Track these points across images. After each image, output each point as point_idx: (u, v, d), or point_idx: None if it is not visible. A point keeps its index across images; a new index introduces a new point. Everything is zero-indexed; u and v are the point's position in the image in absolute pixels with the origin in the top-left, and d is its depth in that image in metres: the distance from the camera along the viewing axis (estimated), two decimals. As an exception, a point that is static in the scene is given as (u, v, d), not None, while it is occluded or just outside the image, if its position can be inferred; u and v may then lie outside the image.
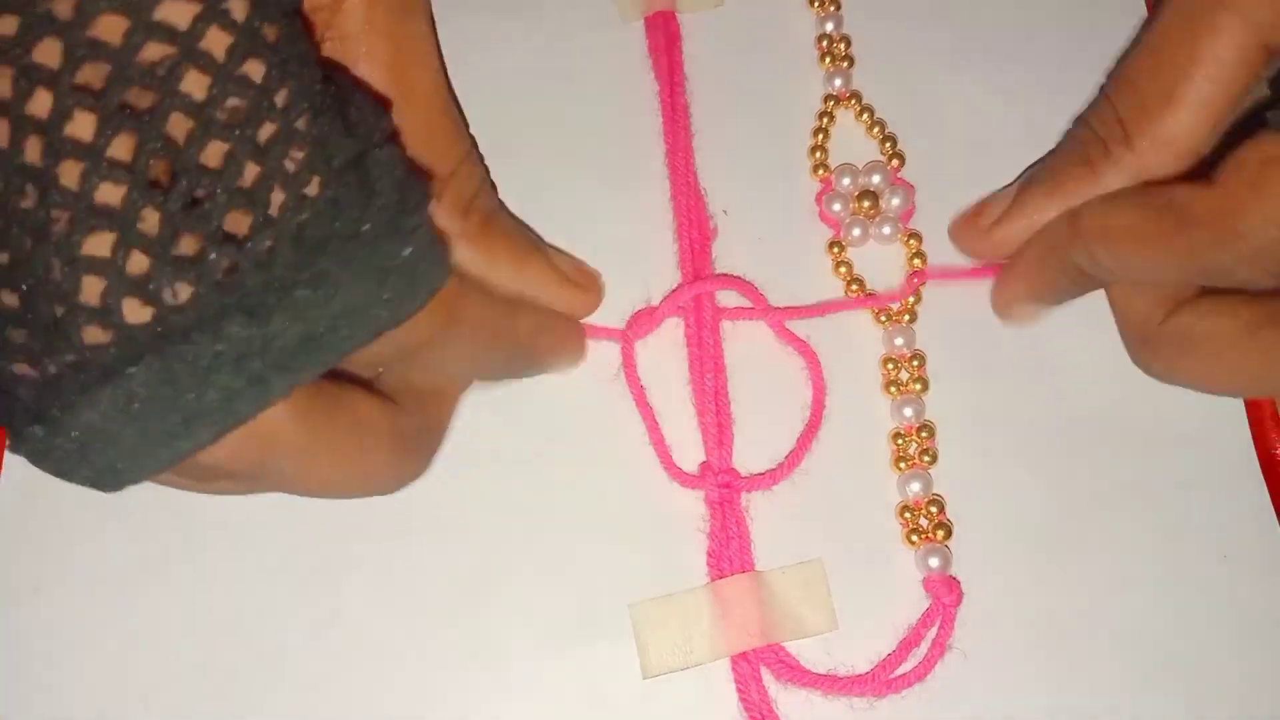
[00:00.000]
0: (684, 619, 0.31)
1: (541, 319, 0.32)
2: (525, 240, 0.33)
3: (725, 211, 0.35)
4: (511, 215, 0.34)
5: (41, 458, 0.21)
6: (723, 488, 0.32)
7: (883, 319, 0.34)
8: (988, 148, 0.36)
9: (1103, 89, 0.33)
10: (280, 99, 0.22)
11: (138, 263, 0.20)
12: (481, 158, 0.33)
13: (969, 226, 0.34)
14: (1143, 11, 0.37)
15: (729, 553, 0.31)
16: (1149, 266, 0.29)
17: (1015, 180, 0.34)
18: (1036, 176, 0.33)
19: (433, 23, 0.32)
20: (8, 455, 0.33)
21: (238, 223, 0.21)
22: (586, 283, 0.33)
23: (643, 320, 0.34)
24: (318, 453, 0.24)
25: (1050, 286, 0.32)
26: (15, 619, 0.31)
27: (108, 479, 0.22)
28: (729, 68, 0.37)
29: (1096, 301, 0.33)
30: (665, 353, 0.34)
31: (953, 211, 0.35)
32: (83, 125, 0.20)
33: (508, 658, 0.31)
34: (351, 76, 0.28)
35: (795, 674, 0.30)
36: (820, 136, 0.36)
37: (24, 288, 0.20)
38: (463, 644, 0.31)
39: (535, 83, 0.36)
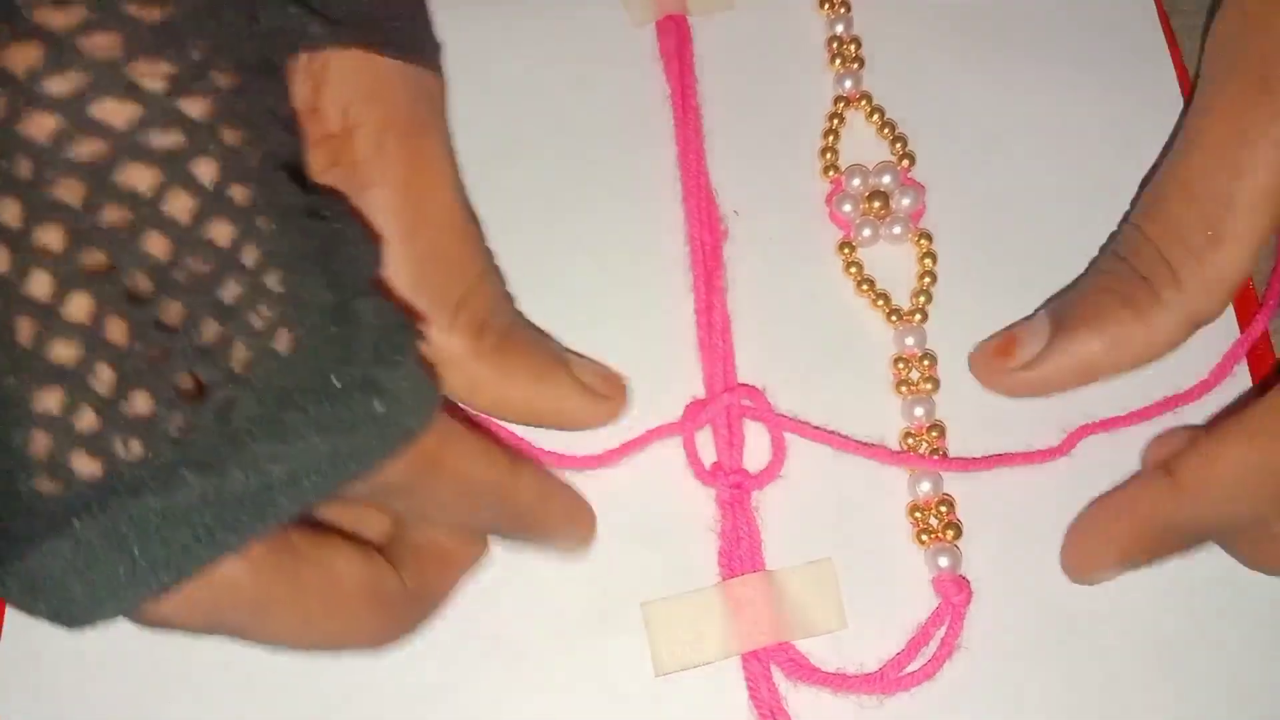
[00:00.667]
0: (695, 617, 0.31)
1: (546, 485, 0.29)
2: (544, 353, 0.32)
3: (736, 212, 0.35)
4: (531, 327, 0.33)
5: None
6: (734, 488, 0.32)
7: (893, 319, 0.34)
8: (998, 147, 0.36)
9: (1135, 223, 0.32)
10: (249, 259, 0.22)
11: (88, 420, 0.20)
12: (498, 270, 0.33)
13: (997, 364, 0.32)
14: (1153, 11, 0.37)
15: (740, 552, 0.32)
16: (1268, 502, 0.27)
17: (1038, 311, 0.33)
18: (1071, 315, 0.31)
19: (448, 139, 0.32)
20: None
21: (202, 376, 0.21)
22: (611, 391, 0.32)
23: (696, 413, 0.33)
24: (276, 609, 0.23)
25: (1150, 552, 0.29)
26: (20, 620, 0.32)
27: (62, 620, 0.21)
28: (740, 70, 0.37)
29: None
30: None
31: (963, 211, 0.35)
32: (40, 284, 0.20)
33: (521, 655, 0.31)
34: (351, 207, 0.28)
35: (805, 672, 0.31)
36: (830, 138, 0.36)
37: None
38: (476, 641, 0.31)
39: (546, 86, 0.37)
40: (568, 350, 0.33)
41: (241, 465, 0.21)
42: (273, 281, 0.22)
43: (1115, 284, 0.31)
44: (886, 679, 0.30)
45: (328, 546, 0.25)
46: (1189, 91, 0.36)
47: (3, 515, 0.20)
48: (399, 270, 0.29)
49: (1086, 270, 0.34)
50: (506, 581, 0.32)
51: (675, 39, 0.37)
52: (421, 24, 0.32)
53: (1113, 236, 0.34)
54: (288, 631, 0.24)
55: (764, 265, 0.35)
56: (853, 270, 0.35)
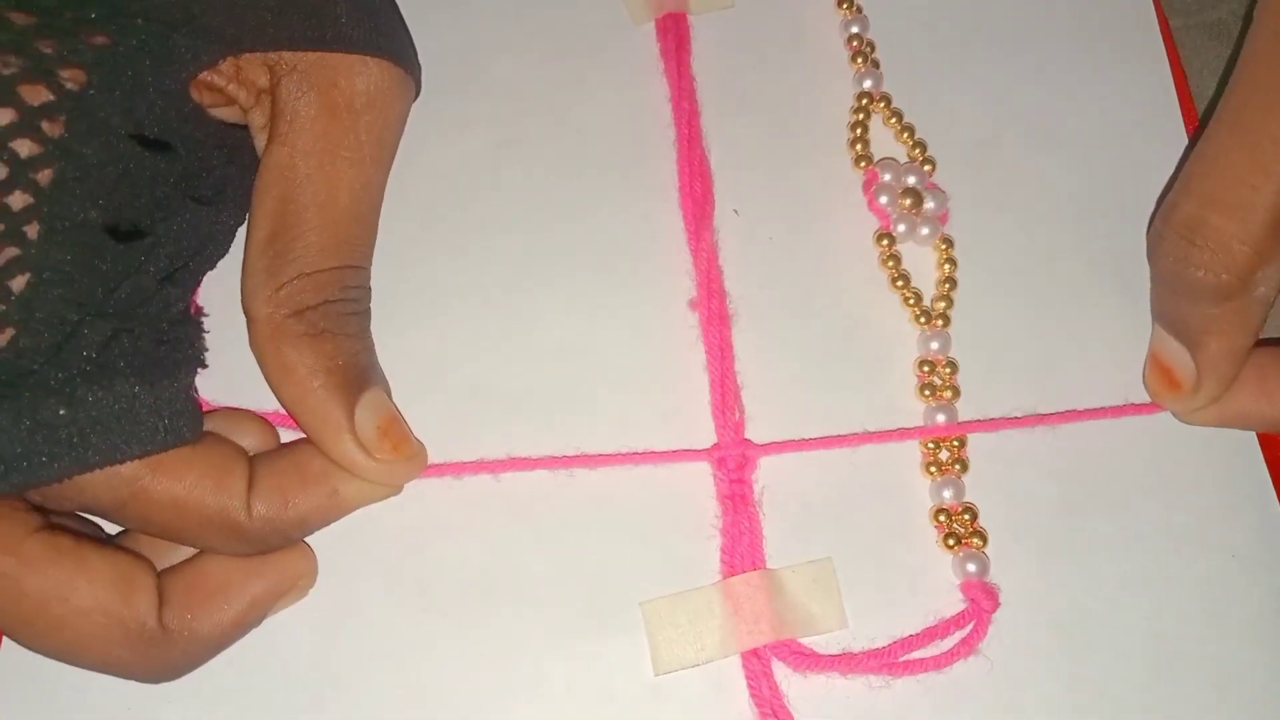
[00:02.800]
0: (695, 616, 0.30)
1: (278, 521, 0.28)
2: (342, 387, 0.29)
3: (736, 211, 0.35)
4: (359, 355, 0.30)
5: None
6: (738, 457, 0.32)
7: (921, 320, 0.34)
8: (1012, 155, 0.36)
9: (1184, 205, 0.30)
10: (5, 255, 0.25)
11: None
12: (364, 309, 0.31)
13: (1178, 396, 0.31)
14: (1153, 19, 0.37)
15: (740, 550, 0.31)
16: None
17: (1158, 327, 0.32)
18: (1190, 327, 0.30)
19: (382, 134, 0.31)
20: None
21: None
22: (390, 442, 0.29)
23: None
24: None
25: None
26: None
27: None
28: (740, 68, 0.37)
29: (1124, 313, 0.33)
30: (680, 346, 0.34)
31: (984, 218, 0.35)
32: None
33: (519, 654, 0.31)
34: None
35: (810, 660, 0.30)
36: (859, 130, 0.36)
37: None
38: (474, 641, 0.31)
39: (545, 85, 0.37)
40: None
41: None
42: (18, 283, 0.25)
43: (1194, 283, 0.30)
44: (893, 656, 0.30)
45: (76, 565, 0.26)
46: (1186, 97, 0.36)
47: None
48: (259, 223, 0.29)
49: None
50: (503, 581, 0.31)
51: (674, 37, 0.37)
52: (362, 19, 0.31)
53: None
54: (10, 628, 0.26)
55: (762, 266, 0.34)
56: (890, 264, 0.34)
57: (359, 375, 0.29)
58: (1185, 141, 0.36)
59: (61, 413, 0.25)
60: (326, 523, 0.30)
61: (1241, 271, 0.28)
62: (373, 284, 0.31)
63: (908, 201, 0.34)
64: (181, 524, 0.27)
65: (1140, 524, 0.32)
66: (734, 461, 0.32)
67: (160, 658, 0.27)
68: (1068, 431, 0.32)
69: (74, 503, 0.26)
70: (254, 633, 0.30)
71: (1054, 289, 0.34)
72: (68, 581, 0.25)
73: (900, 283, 0.34)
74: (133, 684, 0.28)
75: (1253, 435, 0.32)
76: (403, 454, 0.29)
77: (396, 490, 0.30)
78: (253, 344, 0.29)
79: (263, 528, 0.28)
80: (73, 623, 0.25)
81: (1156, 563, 0.31)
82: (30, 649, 0.26)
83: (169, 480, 0.27)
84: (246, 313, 0.29)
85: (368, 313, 0.31)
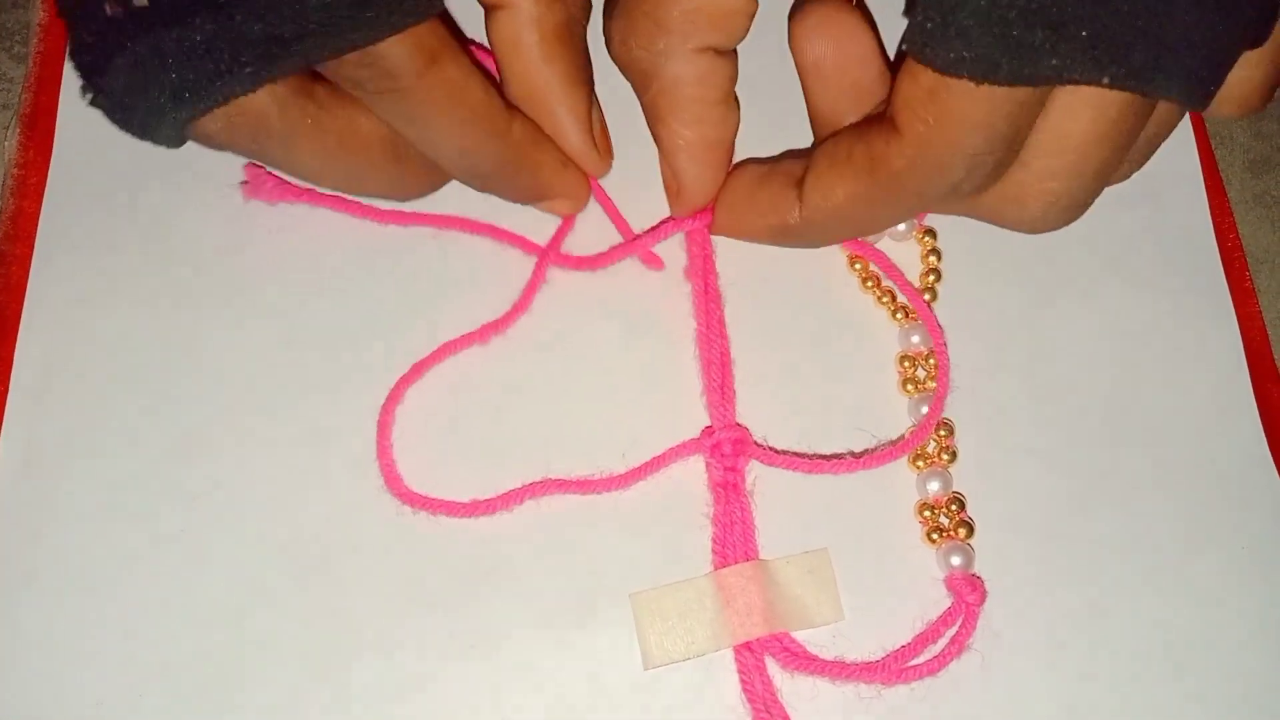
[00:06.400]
0: (686, 608, 0.30)
1: (539, 134, 0.31)
2: (584, 70, 0.32)
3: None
4: (584, 44, 0.32)
5: (105, 110, 0.27)
6: (734, 441, 0.31)
7: (899, 316, 0.34)
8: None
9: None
10: None
11: None
12: None
13: (672, 201, 0.33)
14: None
15: (733, 540, 0.31)
16: (879, 221, 0.30)
17: None
18: (651, 126, 0.32)
19: None
20: (4, 443, 0.32)
21: None
22: (604, 148, 0.33)
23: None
24: (299, 143, 0.28)
25: (776, 244, 0.32)
26: (10, 606, 0.30)
27: (148, 133, 0.27)
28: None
29: (1117, 299, 0.33)
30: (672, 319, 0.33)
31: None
32: None
33: (508, 647, 0.30)
34: None
35: (802, 661, 0.29)
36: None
37: None
38: (463, 633, 0.30)
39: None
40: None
41: (243, 8, 0.25)
42: None
43: (635, 72, 0.31)
44: (889, 670, 0.29)
45: (349, 103, 0.29)
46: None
47: (91, 37, 0.26)
48: None
49: None
50: (491, 571, 0.31)
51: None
52: None
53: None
54: (313, 165, 0.29)
55: (760, 261, 0.34)
56: (857, 267, 0.34)
57: (591, 73, 0.33)
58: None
59: None
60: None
61: (645, 38, 0.30)
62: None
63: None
64: (463, 113, 0.29)
65: (1138, 514, 0.32)
66: (728, 448, 0.31)
67: (422, 176, 0.31)
68: (1062, 421, 0.32)
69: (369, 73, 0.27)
70: (243, 622, 0.30)
71: (1040, 277, 0.34)
72: (355, 116, 0.29)
73: (870, 284, 0.34)
74: (125, 674, 0.29)
75: (1256, 419, 0.33)
76: (610, 153, 0.34)
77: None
78: (500, 33, 0.30)
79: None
80: (362, 148, 0.29)
81: (1158, 554, 0.31)
82: (325, 179, 0.30)
83: (459, 59, 0.28)
84: (493, 1, 0.30)
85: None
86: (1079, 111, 0.26)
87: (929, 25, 0.25)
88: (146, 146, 0.28)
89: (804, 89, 0.31)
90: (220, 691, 0.30)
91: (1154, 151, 0.30)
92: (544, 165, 0.32)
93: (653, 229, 0.34)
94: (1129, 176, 0.30)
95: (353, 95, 0.28)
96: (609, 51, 0.31)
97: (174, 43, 0.25)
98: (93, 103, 0.27)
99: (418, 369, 0.32)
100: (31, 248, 0.34)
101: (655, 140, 0.32)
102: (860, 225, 0.31)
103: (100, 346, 0.33)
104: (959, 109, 0.26)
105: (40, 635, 0.30)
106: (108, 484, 0.32)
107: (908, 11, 0.30)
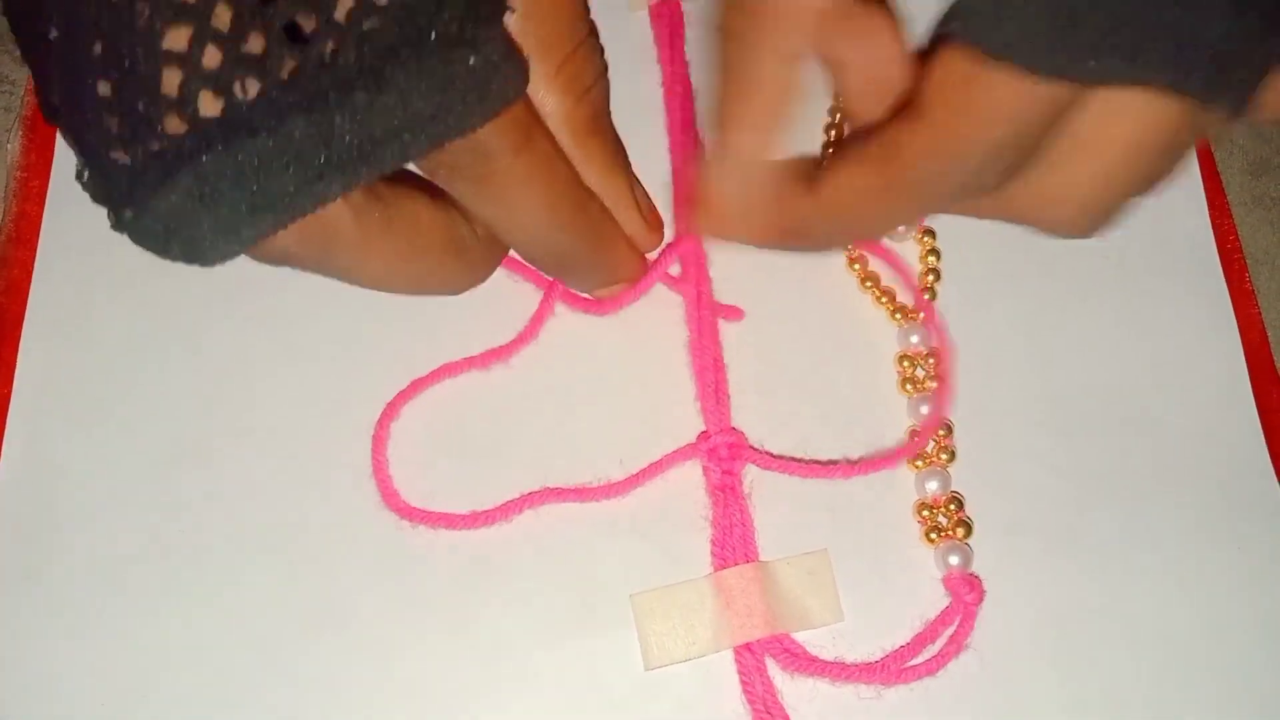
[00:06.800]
0: (686, 610, 0.30)
1: (608, 212, 0.31)
2: (620, 154, 0.32)
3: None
4: (613, 128, 0.32)
5: (137, 237, 0.23)
6: (730, 445, 0.31)
7: (898, 316, 0.34)
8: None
9: None
10: None
11: (211, 57, 0.21)
12: (603, 52, 0.32)
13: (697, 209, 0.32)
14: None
15: (733, 542, 0.31)
16: (896, 216, 0.29)
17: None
18: (714, 115, 0.31)
19: None
20: (6, 445, 0.32)
21: (305, 26, 0.22)
22: (654, 222, 0.33)
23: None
24: (373, 249, 0.26)
25: (782, 248, 0.31)
26: (12, 607, 0.31)
27: (195, 257, 0.24)
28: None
29: (1116, 300, 0.33)
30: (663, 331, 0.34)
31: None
32: None
33: (508, 649, 0.30)
34: None
35: (802, 662, 0.30)
36: (834, 133, 0.36)
37: (115, 77, 0.22)
38: (464, 635, 0.30)
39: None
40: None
41: (344, 110, 0.22)
42: None
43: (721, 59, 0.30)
44: (888, 670, 0.29)
45: (410, 197, 0.27)
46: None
47: (140, 155, 0.22)
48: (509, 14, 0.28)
49: None
50: (492, 574, 0.31)
51: (668, 24, 0.36)
52: None
53: None
54: (382, 271, 0.27)
55: (756, 257, 0.34)
56: (856, 268, 0.34)
57: (626, 158, 0.33)
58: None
59: (471, 61, 0.23)
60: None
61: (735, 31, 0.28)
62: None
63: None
64: (554, 180, 0.28)
65: (1137, 514, 0.32)
66: (724, 451, 0.31)
67: (481, 266, 0.29)
68: (1061, 421, 0.33)
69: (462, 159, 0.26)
70: (245, 625, 0.30)
71: (1039, 277, 0.34)
72: (419, 211, 0.27)
73: (869, 284, 0.34)
74: (128, 674, 0.29)
75: (1255, 421, 0.33)
76: (661, 226, 0.34)
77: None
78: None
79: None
80: (428, 246, 0.27)
81: (1157, 554, 0.31)
82: (392, 283, 0.28)
83: (546, 133, 0.27)
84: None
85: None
86: (1122, 113, 0.25)
87: (980, 6, 0.24)
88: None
89: (832, 87, 0.31)
90: (221, 694, 0.30)
91: (1187, 160, 0.29)
92: (619, 242, 0.32)
93: (661, 255, 0.34)
94: (1161, 188, 0.29)
95: (409, 188, 0.27)
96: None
97: (260, 152, 0.22)
98: (119, 226, 0.24)
99: (415, 387, 0.32)
100: (34, 251, 0.34)
101: (716, 145, 0.30)
102: (871, 221, 0.30)
103: (102, 350, 0.33)
104: (990, 98, 0.25)
105: (43, 636, 0.30)
106: (110, 486, 0.32)
107: None
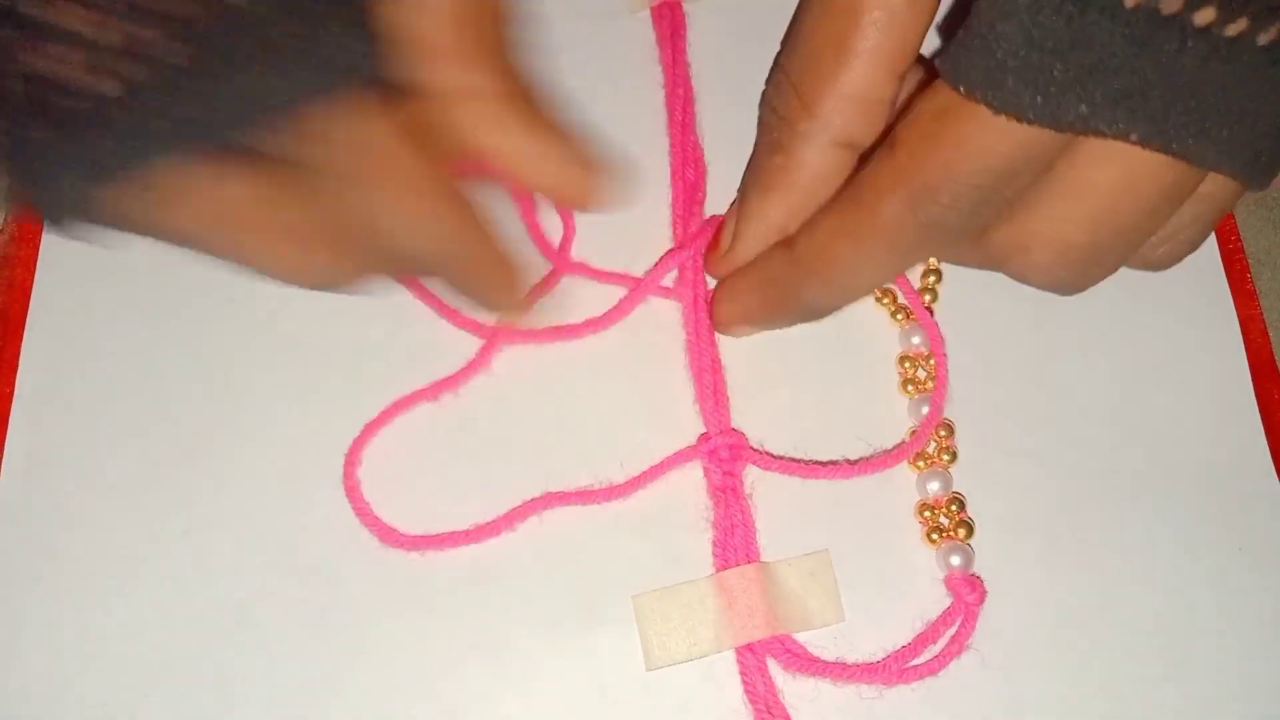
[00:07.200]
0: (688, 610, 0.30)
1: (483, 229, 0.29)
2: (559, 121, 0.30)
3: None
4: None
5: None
6: (730, 446, 0.31)
7: (898, 317, 0.34)
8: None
9: (776, 63, 0.31)
10: None
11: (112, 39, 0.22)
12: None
13: (713, 256, 0.32)
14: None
15: (734, 542, 0.31)
16: (869, 264, 0.28)
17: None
18: (745, 183, 0.31)
19: None
20: (8, 445, 0.32)
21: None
22: (602, 171, 0.31)
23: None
24: (182, 208, 0.25)
25: (776, 318, 0.31)
26: (12, 607, 0.31)
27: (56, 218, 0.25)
28: (735, 59, 0.36)
29: (1117, 300, 0.33)
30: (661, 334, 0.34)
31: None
32: None
33: (510, 649, 0.30)
34: None
35: (804, 663, 0.30)
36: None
37: None
38: (465, 635, 0.30)
39: (540, 71, 0.36)
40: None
41: (183, 86, 0.23)
42: None
43: (765, 132, 0.31)
44: (890, 670, 0.29)
45: (238, 175, 0.26)
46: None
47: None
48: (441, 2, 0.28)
49: None
50: (493, 573, 0.31)
51: (670, 25, 0.36)
52: None
53: None
54: (183, 225, 0.26)
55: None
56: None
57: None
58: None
59: (315, 41, 0.24)
60: None
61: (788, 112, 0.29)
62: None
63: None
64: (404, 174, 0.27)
65: (1140, 515, 0.32)
66: (725, 453, 0.31)
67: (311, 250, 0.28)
68: (1063, 422, 0.32)
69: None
70: (245, 624, 0.30)
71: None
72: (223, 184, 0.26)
73: None
74: (129, 674, 0.29)
75: (1257, 421, 0.33)
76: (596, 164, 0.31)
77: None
78: (476, 113, 0.28)
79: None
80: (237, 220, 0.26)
81: (1159, 555, 0.31)
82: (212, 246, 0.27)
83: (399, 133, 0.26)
84: (453, 90, 0.28)
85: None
86: (1106, 161, 0.25)
87: (965, 44, 0.24)
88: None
89: None
90: (222, 694, 0.30)
91: (1208, 231, 0.28)
92: (477, 257, 0.29)
93: (656, 266, 0.33)
94: (1176, 260, 0.29)
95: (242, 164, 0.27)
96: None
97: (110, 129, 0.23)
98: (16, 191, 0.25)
99: (398, 406, 0.32)
100: (36, 251, 0.34)
101: (741, 199, 0.31)
102: (849, 274, 0.29)
103: (104, 350, 0.33)
104: (963, 131, 0.25)
105: (43, 637, 0.30)
106: (112, 486, 0.32)
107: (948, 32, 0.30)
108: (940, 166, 0.25)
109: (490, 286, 0.29)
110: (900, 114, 0.27)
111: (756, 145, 0.32)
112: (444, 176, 0.27)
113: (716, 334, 0.33)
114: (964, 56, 0.24)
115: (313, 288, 0.28)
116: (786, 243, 0.30)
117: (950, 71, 0.25)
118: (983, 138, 0.25)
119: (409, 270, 0.31)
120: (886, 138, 0.27)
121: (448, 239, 0.28)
